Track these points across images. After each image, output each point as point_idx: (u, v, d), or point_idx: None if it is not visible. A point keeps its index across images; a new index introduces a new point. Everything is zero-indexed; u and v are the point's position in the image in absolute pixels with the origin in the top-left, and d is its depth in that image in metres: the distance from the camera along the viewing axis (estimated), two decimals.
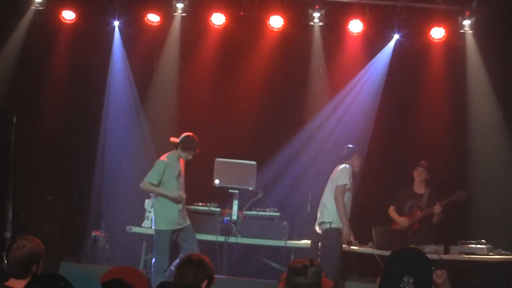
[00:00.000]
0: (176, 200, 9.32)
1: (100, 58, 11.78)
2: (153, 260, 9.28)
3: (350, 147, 9.85)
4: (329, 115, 11.60)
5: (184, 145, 9.41)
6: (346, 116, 11.55)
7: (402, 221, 10.33)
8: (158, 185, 9.32)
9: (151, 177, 9.33)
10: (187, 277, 4.97)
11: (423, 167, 10.38)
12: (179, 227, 9.38)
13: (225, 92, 11.73)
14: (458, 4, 11.04)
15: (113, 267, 5.03)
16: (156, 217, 9.44)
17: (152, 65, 11.94)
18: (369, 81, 11.58)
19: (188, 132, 9.49)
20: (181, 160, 9.52)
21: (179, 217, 9.40)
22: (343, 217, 9.33)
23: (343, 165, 9.58)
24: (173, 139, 9.50)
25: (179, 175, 9.41)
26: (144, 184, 9.40)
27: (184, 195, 9.44)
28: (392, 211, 10.49)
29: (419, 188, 10.47)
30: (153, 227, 9.51)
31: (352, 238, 9.75)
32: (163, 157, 9.45)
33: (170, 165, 9.37)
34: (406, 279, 3.80)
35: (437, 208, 10.11)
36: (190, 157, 9.50)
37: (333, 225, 9.39)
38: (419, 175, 10.41)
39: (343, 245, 9.54)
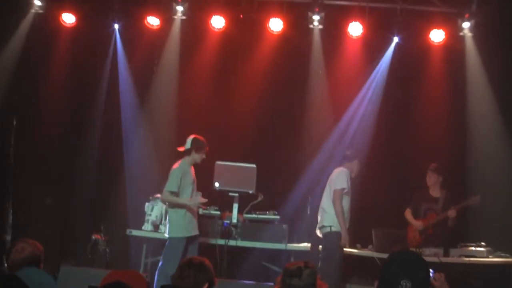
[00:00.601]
0: (195, 208, 9.32)
1: (100, 61, 11.79)
2: (160, 263, 9.21)
3: (352, 150, 9.86)
4: (329, 118, 11.60)
5: (197, 147, 9.39)
6: (346, 119, 11.55)
7: (417, 224, 10.29)
8: (177, 193, 9.27)
9: (170, 186, 9.24)
10: (188, 280, 4.99)
11: (431, 169, 10.34)
12: (193, 234, 9.35)
13: (225, 94, 11.73)
14: (458, 7, 11.04)
15: (113, 270, 5.06)
16: (171, 224, 9.33)
17: (152, 68, 11.95)
18: (368, 84, 11.59)
19: (189, 135, 9.48)
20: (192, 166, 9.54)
21: (194, 225, 9.39)
22: (341, 220, 9.33)
23: (340, 169, 9.59)
24: (180, 148, 9.48)
25: (193, 181, 9.41)
26: (165, 195, 9.30)
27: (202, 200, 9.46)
28: (408, 214, 10.44)
29: (434, 191, 10.42)
30: (166, 234, 9.38)
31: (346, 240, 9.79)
32: (177, 165, 9.40)
33: (185, 172, 9.34)
34: (404, 283, 3.79)
35: (452, 213, 10.05)
36: (204, 157, 9.50)
37: (333, 229, 9.40)
38: (428, 179, 10.38)
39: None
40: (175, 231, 9.28)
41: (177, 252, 9.15)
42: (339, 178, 9.48)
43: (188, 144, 9.41)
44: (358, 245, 10.00)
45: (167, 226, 9.39)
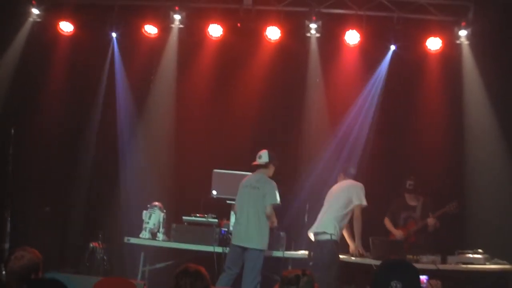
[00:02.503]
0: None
1: (98, 70, 11.82)
2: (250, 278, 9.26)
3: (353, 167, 10.01)
4: (327, 126, 11.63)
5: (275, 161, 9.58)
6: (343, 127, 11.58)
7: (398, 233, 10.39)
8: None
9: (277, 198, 9.36)
10: None
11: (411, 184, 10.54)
12: None
13: (222, 103, 11.75)
14: (454, 15, 11.08)
15: (103, 278, 5.06)
16: (263, 236, 9.38)
17: (150, 77, 11.98)
18: (365, 92, 11.61)
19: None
20: None
21: None
22: (358, 235, 9.69)
23: (360, 184, 9.79)
24: (255, 162, 9.59)
25: None
26: (271, 210, 9.37)
27: None
28: (387, 223, 10.56)
29: (411, 199, 10.53)
30: (256, 246, 9.35)
31: (362, 250, 9.86)
32: (268, 178, 9.50)
33: None
34: (394, 284, 3.83)
35: (431, 221, 10.20)
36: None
37: (333, 237, 9.48)
38: (408, 195, 10.61)
39: (341, 256, 9.64)
40: (265, 243, 9.37)
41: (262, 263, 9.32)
42: (362, 193, 9.71)
43: (265, 158, 9.51)
44: (367, 253, 10.02)
45: (254, 237, 9.37)
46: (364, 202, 9.66)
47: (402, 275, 3.89)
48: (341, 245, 9.81)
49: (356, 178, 9.97)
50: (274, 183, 9.42)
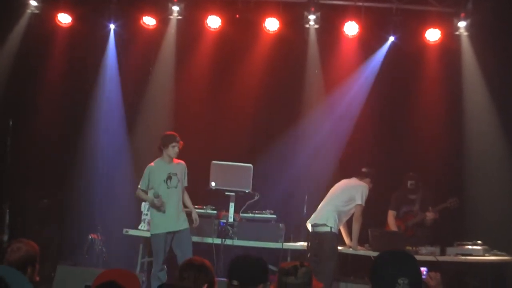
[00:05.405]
0: (153, 205, 9.23)
1: (96, 62, 11.80)
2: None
3: (367, 169, 9.95)
4: (325, 118, 11.61)
5: (162, 143, 9.31)
6: (342, 119, 11.56)
7: (395, 227, 10.38)
8: (147, 191, 9.28)
9: (141, 183, 9.33)
10: (188, 280, 4.96)
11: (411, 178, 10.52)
12: (171, 230, 9.25)
13: (221, 94, 11.74)
14: (453, 6, 11.06)
15: (106, 270, 5.04)
16: (151, 222, 9.48)
17: (148, 68, 11.96)
18: (364, 84, 11.59)
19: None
20: (176, 161, 9.46)
21: (171, 220, 9.28)
22: (356, 236, 9.66)
23: (365, 185, 9.77)
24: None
25: (168, 178, 9.30)
26: (137, 192, 9.42)
27: (160, 200, 9.25)
28: (391, 217, 10.48)
29: (411, 193, 10.51)
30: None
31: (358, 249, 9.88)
32: (151, 163, 9.44)
33: (155, 170, 9.28)
34: (401, 281, 3.75)
35: (430, 215, 10.18)
36: (176, 150, 9.27)
37: (333, 230, 9.48)
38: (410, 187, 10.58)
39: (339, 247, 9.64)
40: (151, 229, 9.39)
41: (156, 249, 9.18)
42: (365, 194, 9.69)
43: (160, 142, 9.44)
44: (366, 245, 10.02)
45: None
46: (363, 203, 9.65)
47: (406, 269, 3.81)
48: (339, 237, 9.82)
49: (363, 178, 9.92)
50: (146, 168, 9.35)
